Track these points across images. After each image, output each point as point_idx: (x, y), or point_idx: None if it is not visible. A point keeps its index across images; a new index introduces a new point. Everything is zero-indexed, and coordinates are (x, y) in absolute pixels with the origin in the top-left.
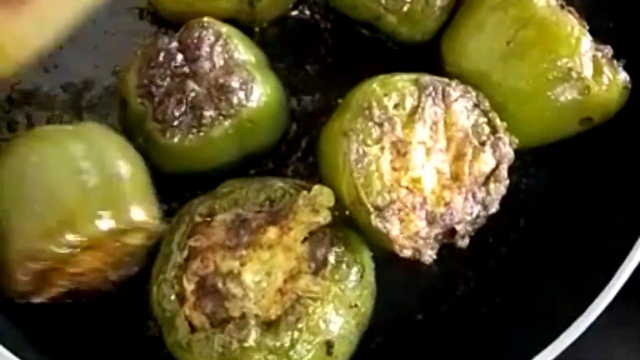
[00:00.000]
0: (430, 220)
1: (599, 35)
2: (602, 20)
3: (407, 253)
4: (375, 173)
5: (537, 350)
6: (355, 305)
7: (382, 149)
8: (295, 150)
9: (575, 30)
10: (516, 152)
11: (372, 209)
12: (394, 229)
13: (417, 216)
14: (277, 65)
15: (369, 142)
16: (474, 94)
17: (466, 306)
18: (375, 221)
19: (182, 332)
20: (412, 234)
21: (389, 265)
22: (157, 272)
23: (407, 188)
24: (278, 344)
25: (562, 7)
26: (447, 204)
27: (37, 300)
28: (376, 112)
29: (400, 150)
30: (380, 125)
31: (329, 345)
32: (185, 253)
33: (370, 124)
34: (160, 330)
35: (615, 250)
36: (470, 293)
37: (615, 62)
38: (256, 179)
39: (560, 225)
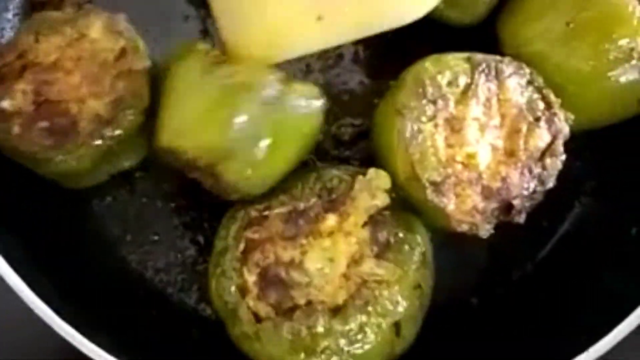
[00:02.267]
0: (487, 195)
1: None
2: None
3: (464, 228)
4: (430, 149)
5: (598, 338)
6: (419, 286)
7: (436, 125)
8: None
9: (637, 10)
10: (573, 134)
11: (427, 184)
12: (451, 204)
13: (473, 191)
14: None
15: (423, 119)
16: (527, 70)
17: (522, 291)
18: (432, 196)
19: (247, 323)
20: (468, 209)
21: (444, 247)
22: (214, 266)
23: (462, 163)
24: (347, 328)
25: None
26: (503, 179)
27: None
28: (429, 89)
29: (454, 126)
30: (434, 102)
31: (397, 327)
32: (242, 245)
33: (424, 101)
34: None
35: None
36: (526, 277)
37: None
38: (308, 170)
39: (618, 208)
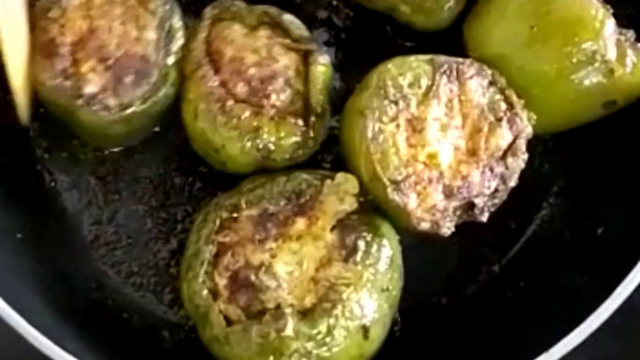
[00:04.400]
0: (448, 194)
1: (620, 22)
2: (622, 8)
3: (424, 226)
4: (391, 149)
5: (562, 335)
6: (387, 289)
7: (398, 126)
8: None
9: (599, 14)
10: (538, 137)
11: (388, 183)
12: (411, 202)
13: (434, 189)
14: None
15: (385, 119)
16: (489, 72)
17: (490, 290)
18: (393, 194)
19: (218, 326)
20: (429, 207)
21: (413, 249)
22: (186, 269)
23: (423, 163)
24: (315, 331)
25: None
26: (464, 178)
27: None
28: (391, 90)
29: (416, 127)
30: (396, 103)
31: (365, 330)
32: (214, 249)
33: (386, 102)
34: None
35: None
36: (494, 277)
37: (638, 45)
38: (279, 173)
39: (584, 209)
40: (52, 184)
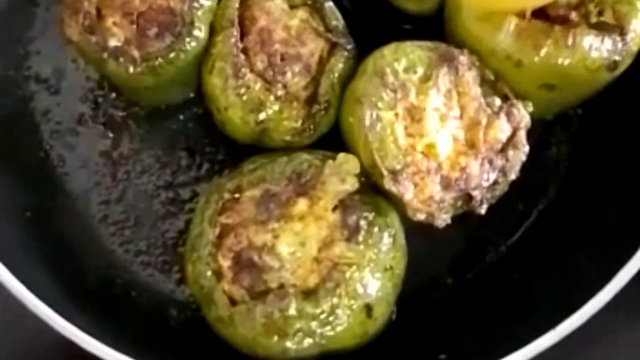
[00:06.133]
0: (445, 185)
1: None
2: None
3: (420, 217)
4: (389, 137)
5: (565, 316)
6: (390, 268)
7: (397, 115)
8: None
9: None
10: (543, 120)
11: (385, 172)
12: (408, 193)
13: (431, 180)
14: None
15: (382, 106)
16: (477, 64)
17: (496, 272)
18: (389, 184)
19: (222, 307)
20: (426, 198)
21: (419, 230)
22: (190, 251)
23: (422, 153)
24: (319, 310)
25: None
26: (462, 169)
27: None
28: (389, 77)
29: (414, 116)
30: (394, 91)
31: (368, 309)
32: (217, 230)
33: (383, 89)
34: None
35: None
36: (500, 259)
37: None
38: (280, 153)
39: (590, 192)
40: (61, 163)
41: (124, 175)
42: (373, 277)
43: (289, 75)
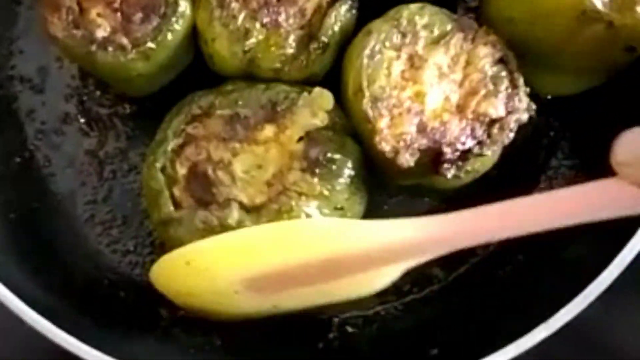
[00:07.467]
0: (420, 130)
1: None
2: None
3: (385, 147)
4: (384, 70)
5: (561, 306)
6: (341, 208)
7: (399, 56)
8: None
9: None
10: (541, 98)
11: (367, 94)
12: (383, 120)
13: (408, 120)
14: None
15: (388, 44)
16: (502, 47)
17: (487, 266)
18: (367, 106)
19: (165, 209)
20: (397, 133)
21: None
22: (150, 154)
23: (409, 97)
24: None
25: None
26: (442, 123)
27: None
28: (404, 21)
29: (414, 63)
30: (404, 35)
31: None
32: (181, 140)
33: (395, 30)
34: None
35: None
36: (491, 253)
37: None
38: (262, 82)
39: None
40: (46, 163)
41: (110, 175)
42: (320, 212)
43: (282, 15)
